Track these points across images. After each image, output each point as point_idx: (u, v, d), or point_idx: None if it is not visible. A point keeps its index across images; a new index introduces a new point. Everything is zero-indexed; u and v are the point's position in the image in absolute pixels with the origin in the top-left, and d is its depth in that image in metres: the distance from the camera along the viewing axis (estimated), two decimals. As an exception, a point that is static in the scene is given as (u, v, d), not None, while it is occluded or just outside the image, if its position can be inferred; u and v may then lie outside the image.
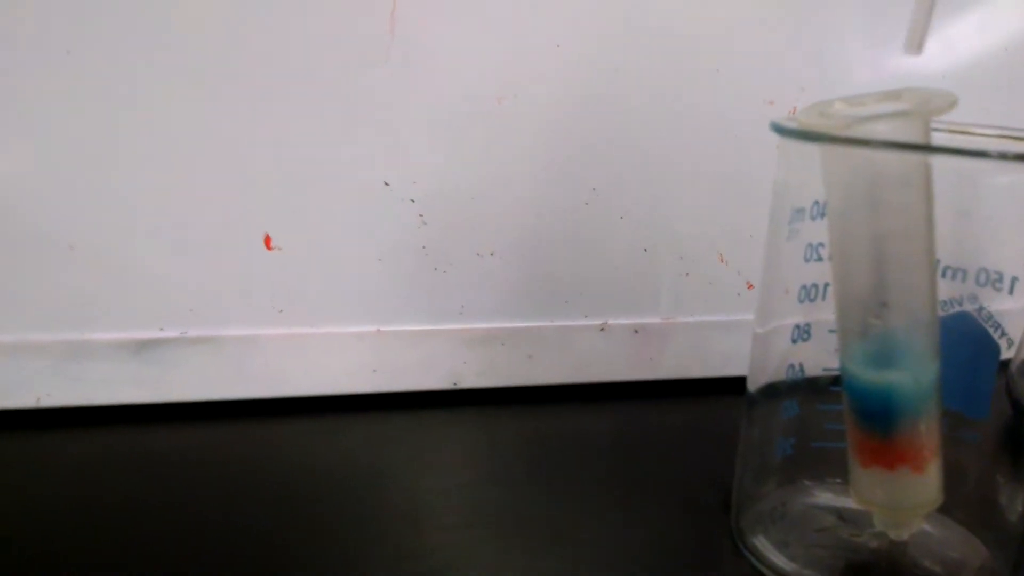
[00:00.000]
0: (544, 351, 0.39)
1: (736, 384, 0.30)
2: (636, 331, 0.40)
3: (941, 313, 0.27)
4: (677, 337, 0.41)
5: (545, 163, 0.38)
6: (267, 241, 0.36)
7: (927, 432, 0.25)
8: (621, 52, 0.37)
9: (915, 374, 0.24)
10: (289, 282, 0.36)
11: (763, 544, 0.28)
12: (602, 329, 0.40)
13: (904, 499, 0.26)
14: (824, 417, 0.29)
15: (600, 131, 0.38)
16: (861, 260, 0.23)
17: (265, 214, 0.36)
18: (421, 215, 0.37)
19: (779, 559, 0.27)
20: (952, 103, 0.22)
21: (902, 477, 0.25)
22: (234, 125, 0.34)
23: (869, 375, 0.24)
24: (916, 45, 0.23)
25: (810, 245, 0.27)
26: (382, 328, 0.37)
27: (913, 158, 0.23)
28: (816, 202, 0.27)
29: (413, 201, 0.37)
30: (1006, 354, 0.26)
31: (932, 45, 0.39)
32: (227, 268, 0.36)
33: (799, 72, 0.39)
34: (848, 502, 0.30)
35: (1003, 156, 0.22)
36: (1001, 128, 0.28)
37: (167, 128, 0.34)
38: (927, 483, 0.25)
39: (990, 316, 0.26)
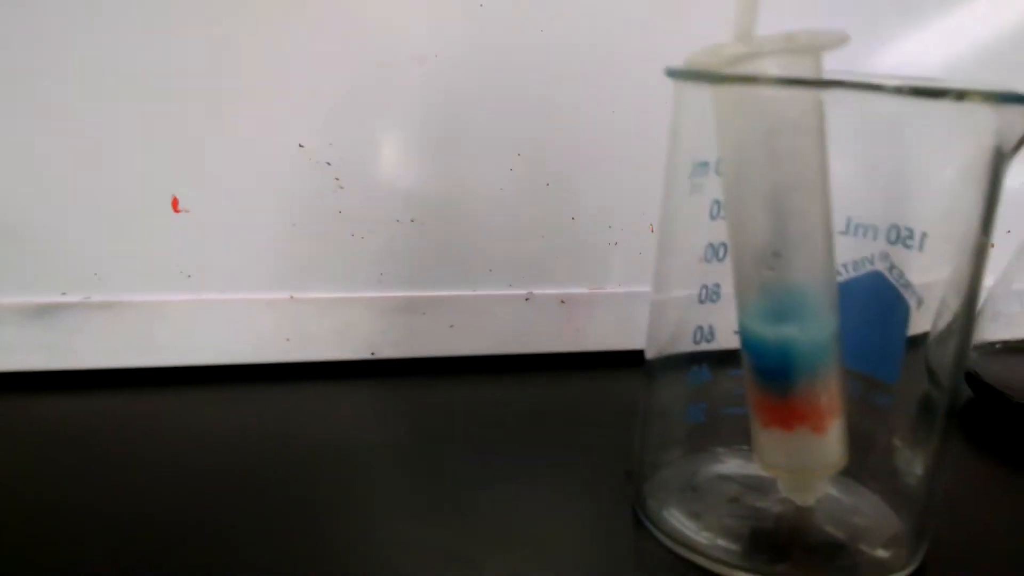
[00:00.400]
0: (466, 321, 0.38)
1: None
2: (562, 301, 0.39)
3: (853, 274, 0.26)
4: (605, 308, 0.39)
5: (467, 127, 0.36)
6: (174, 204, 0.35)
7: (827, 390, 0.24)
8: (546, 12, 0.36)
9: (811, 329, 0.23)
10: (198, 246, 0.35)
11: (671, 515, 0.27)
12: (527, 299, 0.39)
13: (805, 461, 0.25)
14: (737, 383, 0.28)
15: (525, 95, 0.37)
16: (754, 209, 0.22)
17: (173, 176, 0.34)
18: (337, 179, 0.36)
19: (687, 529, 0.26)
20: (842, 39, 0.21)
21: (802, 438, 0.24)
22: (141, 83, 0.33)
23: (764, 330, 0.23)
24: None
25: (716, 201, 0.26)
26: (296, 295, 0.36)
27: (806, 101, 0.22)
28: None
29: (329, 164, 0.35)
30: (915, 314, 0.25)
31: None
32: (133, 231, 0.34)
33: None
34: (757, 469, 0.29)
35: (898, 90, 0.21)
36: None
37: (67, 86, 0.32)
38: (828, 444, 0.24)
39: (901, 275, 0.25)
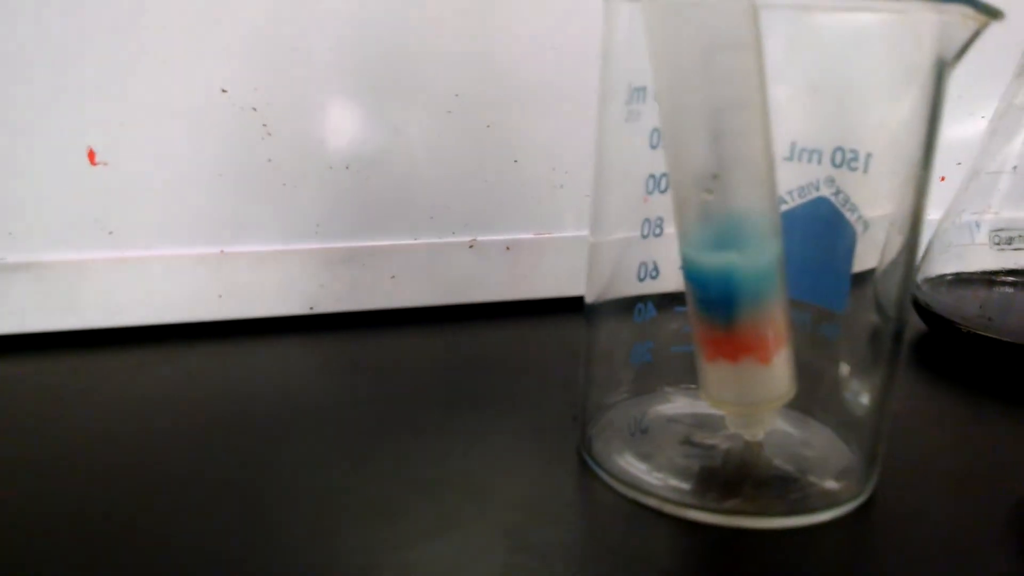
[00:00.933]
0: (408, 271, 0.37)
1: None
2: (508, 248, 0.38)
3: (798, 200, 0.25)
4: (552, 254, 0.38)
5: (400, 67, 0.35)
6: (91, 156, 0.33)
7: (771, 320, 0.23)
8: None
9: (753, 255, 0.22)
10: (118, 201, 0.33)
11: (620, 456, 0.26)
12: (471, 246, 0.37)
13: (752, 394, 0.24)
14: (684, 319, 0.28)
15: (460, 30, 0.35)
16: (690, 130, 0.21)
17: (87, 126, 0.32)
18: (264, 125, 0.34)
19: (636, 470, 0.25)
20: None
21: (747, 370, 0.23)
22: (47, 27, 0.31)
23: (705, 258, 0.22)
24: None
25: (656, 130, 0.25)
26: (226, 249, 0.35)
27: (740, 12, 0.21)
28: (660, 81, 0.24)
29: (255, 110, 0.34)
30: (862, 239, 0.24)
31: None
32: (47, 186, 0.32)
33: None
34: (705, 407, 0.28)
35: None
36: None
37: (-33, 31, 0.30)
38: (774, 376, 0.23)
39: (847, 199, 0.25)
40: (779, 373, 0.24)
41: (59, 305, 0.33)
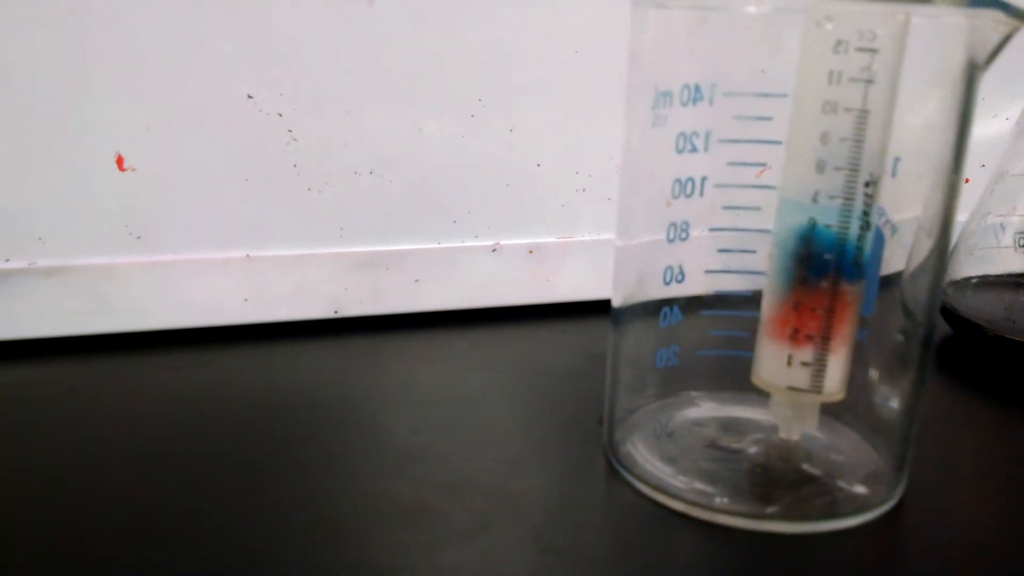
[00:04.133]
0: (432, 275, 0.37)
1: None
2: (531, 251, 0.38)
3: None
4: (575, 257, 0.38)
5: (424, 71, 0.35)
6: (119, 162, 0.33)
7: (854, 306, 0.23)
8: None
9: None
10: (146, 206, 0.34)
11: (646, 460, 0.26)
12: (494, 250, 0.38)
13: (806, 382, 0.24)
14: (710, 323, 0.28)
15: (484, 34, 0.35)
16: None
17: (116, 132, 0.33)
18: (290, 130, 0.34)
19: (662, 474, 0.25)
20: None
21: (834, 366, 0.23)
22: (77, 33, 0.31)
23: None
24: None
25: (683, 134, 0.25)
26: (252, 254, 0.35)
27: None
28: (687, 85, 0.24)
29: (280, 115, 0.34)
30: (890, 243, 0.24)
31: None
32: (77, 192, 0.33)
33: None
34: (733, 411, 0.29)
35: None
36: None
37: (3, 41, 0.31)
38: (830, 370, 0.24)
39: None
40: (835, 370, 0.24)
41: (88, 309, 0.33)
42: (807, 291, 0.24)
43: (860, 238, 0.23)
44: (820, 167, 0.23)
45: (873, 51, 0.21)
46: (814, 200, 0.23)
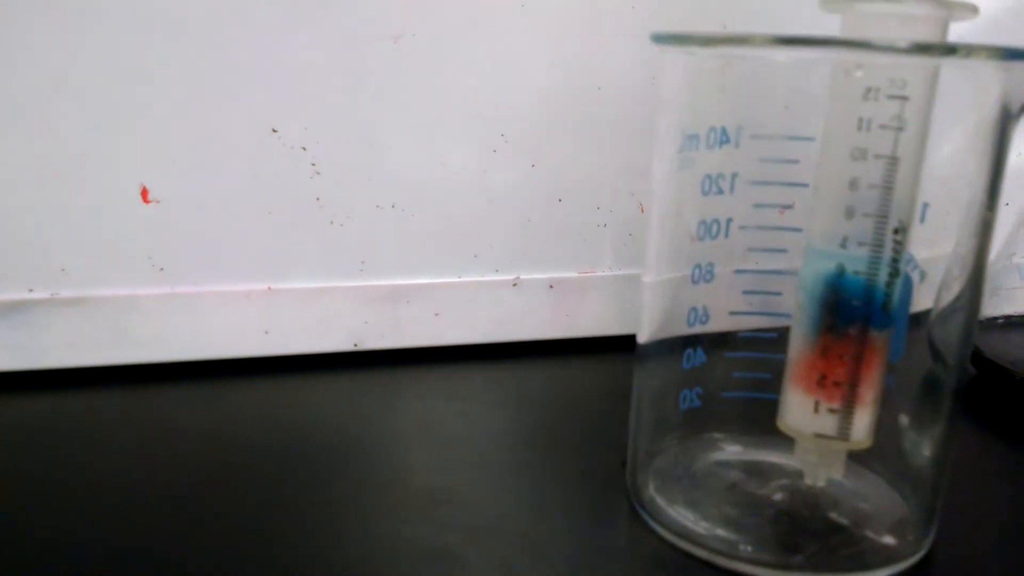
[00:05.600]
0: (452, 309, 0.37)
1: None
2: (551, 286, 0.38)
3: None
4: (595, 292, 0.38)
5: (447, 106, 0.35)
6: (144, 194, 0.33)
7: (882, 356, 0.23)
8: (527, -14, 0.35)
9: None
10: (170, 237, 0.34)
11: (668, 504, 0.26)
12: (514, 284, 0.37)
13: (833, 430, 0.24)
14: (733, 364, 0.27)
15: (507, 70, 0.35)
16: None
17: (141, 164, 0.33)
18: (313, 164, 0.34)
19: (684, 519, 0.25)
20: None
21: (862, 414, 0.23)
22: (104, 66, 0.31)
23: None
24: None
25: (708, 176, 0.25)
26: (273, 286, 0.35)
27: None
28: (713, 128, 0.24)
29: (304, 149, 0.34)
30: (919, 288, 0.24)
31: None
32: (100, 223, 0.33)
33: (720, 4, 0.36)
34: (758, 455, 0.28)
35: (899, 49, 0.19)
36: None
37: (30, 74, 0.31)
38: (862, 418, 0.23)
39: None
40: (862, 417, 0.23)
41: (109, 340, 0.33)
42: (835, 337, 0.24)
43: (889, 284, 0.23)
44: (849, 213, 0.23)
45: (903, 99, 0.21)
46: (842, 246, 0.23)
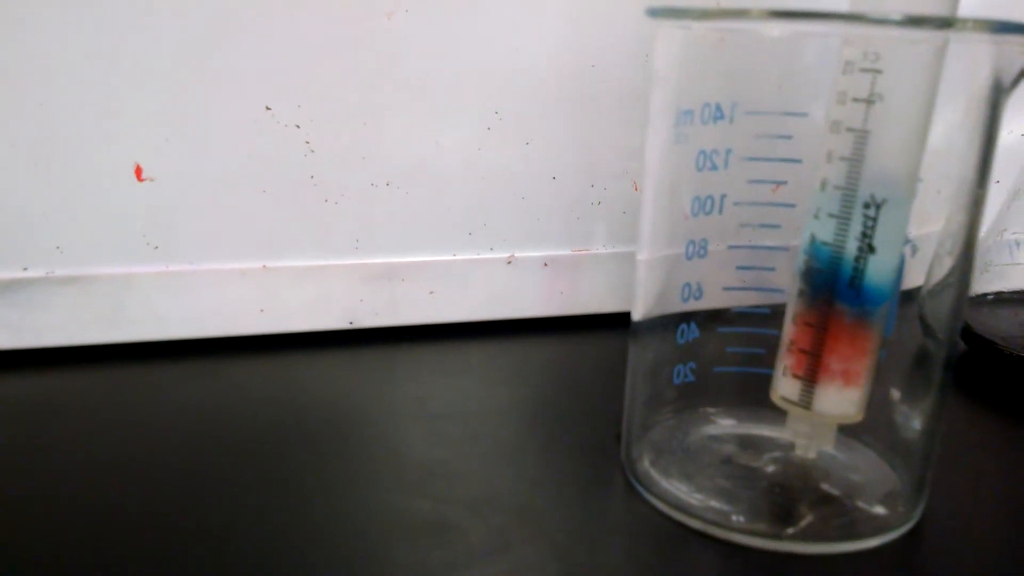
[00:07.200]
0: (447, 287, 0.37)
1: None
2: (545, 264, 0.38)
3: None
4: (589, 270, 0.38)
5: (442, 84, 0.35)
6: (138, 172, 0.33)
7: (876, 332, 0.23)
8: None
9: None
10: (164, 216, 0.34)
11: (663, 477, 0.26)
12: (509, 262, 0.38)
13: (795, 396, 0.24)
14: (726, 340, 0.28)
15: (502, 47, 0.35)
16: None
17: (134, 142, 0.33)
18: (307, 142, 0.34)
19: (679, 491, 0.25)
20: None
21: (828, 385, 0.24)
22: (97, 45, 0.31)
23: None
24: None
25: (703, 152, 0.25)
26: (268, 264, 0.35)
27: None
28: (708, 104, 0.24)
29: (298, 127, 0.34)
30: (910, 262, 0.24)
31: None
32: (95, 201, 0.33)
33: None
34: (751, 428, 0.29)
35: (888, 21, 0.19)
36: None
37: (23, 50, 0.31)
38: (854, 394, 0.24)
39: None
40: (854, 393, 0.24)
41: (105, 318, 0.34)
42: (805, 305, 0.24)
43: (858, 259, 0.23)
44: (823, 185, 0.23)
45: (876, 72, 0.21)
46: (816, 216, 0.23)
